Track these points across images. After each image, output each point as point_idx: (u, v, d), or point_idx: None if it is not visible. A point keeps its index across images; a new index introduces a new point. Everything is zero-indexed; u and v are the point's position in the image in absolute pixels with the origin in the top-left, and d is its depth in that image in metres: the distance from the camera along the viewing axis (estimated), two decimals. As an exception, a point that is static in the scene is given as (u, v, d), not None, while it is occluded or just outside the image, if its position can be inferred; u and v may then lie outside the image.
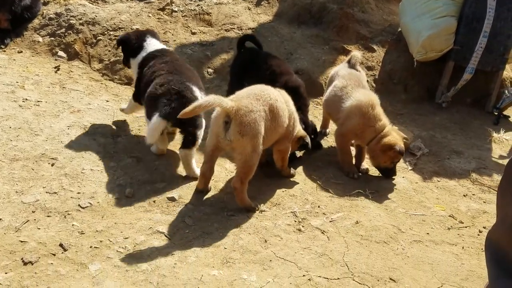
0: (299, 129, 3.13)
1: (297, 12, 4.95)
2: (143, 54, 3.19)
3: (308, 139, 3.15)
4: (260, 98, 2.70)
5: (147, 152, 3.18)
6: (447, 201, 3.24)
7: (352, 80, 3.47)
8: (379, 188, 3.25)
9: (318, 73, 4.49)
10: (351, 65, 3.67)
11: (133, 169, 2.98)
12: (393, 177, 3.38)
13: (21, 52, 4.14)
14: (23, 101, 3.41)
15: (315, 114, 4.22)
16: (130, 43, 3.23)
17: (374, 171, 3.48)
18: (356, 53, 3.77)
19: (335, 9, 4.88)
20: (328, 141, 3.87)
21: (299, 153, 3.47)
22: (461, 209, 3.16)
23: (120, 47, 3.33)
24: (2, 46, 4.12)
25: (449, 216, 3.04)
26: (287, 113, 2.91)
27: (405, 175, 3.49)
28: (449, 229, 2.90)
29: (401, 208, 3.04)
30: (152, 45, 3.24)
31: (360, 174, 3.40)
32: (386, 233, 2.73)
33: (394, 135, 3.27)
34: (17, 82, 3.64)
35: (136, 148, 3.22)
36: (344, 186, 3.21)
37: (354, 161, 3.48)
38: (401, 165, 3.54)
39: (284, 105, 2.89)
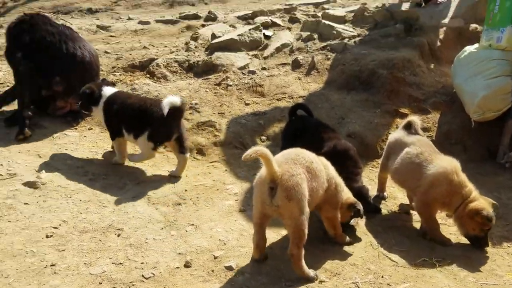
0: (348, 196, 3.10)
1: (346, 79, 5.08)
2: (103, 99, 3.82)
3: (359, 206, 3.08)
4: (297, 162, 2.74)
5: (204, 220, 3.27)
6: (521, 268, 3.00)
7: (425, 146, 3.43)
8: (446, 255, 3.08)
9: (371, 136, 4.49)
10: (415, 130, 3.62)
11: (192, 237, 3.06)
12: (486, 247, 3.19)
13: (91, 129, 4.50)
14: (92, 175, 3.67)
15: (371, 177, 4.17)
16: (93, 94, 3.83)
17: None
18: (415, 118, 3.72)
19: (385, 74, 4.96)
20: (387, 205, 3.78)
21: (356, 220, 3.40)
22: (538, 277, 2.90)
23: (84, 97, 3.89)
24: (74, 124, 4.51)
25: (526, 285, 2.81)
26: (325, 175, 2.91)
27: (472, 241, 3.29)
28: (527, 300, 2.67)
29: (471, 277, 2.85)
30: (109, 91, 3.86)
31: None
32: (456, 305, 2.55)
33: (481, 201, 3.16)
34: (87, 157, 3.95)
35: (194, 216, 3.32)
36: (408, 253, 3.08)
37: None
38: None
39: (321, 166, 2.90)
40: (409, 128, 3.65)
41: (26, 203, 3.17)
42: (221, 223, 3.25)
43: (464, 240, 3.27)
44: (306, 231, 2.69)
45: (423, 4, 6.30)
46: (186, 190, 3.66)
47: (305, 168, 2.76)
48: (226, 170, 4.12)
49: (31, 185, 3.36)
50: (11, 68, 4.33)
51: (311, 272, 2.70)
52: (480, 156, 4.56)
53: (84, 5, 7.95)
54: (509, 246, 3.26)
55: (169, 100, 3.61)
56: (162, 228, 3.13)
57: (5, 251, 2.71)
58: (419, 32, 5.65)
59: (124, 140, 3.87)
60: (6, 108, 4.39)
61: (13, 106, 4.36)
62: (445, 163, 3.26)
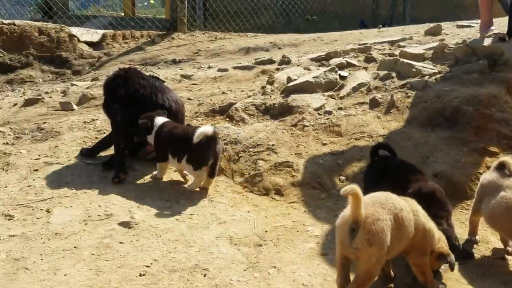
0: (441, 245, 2.95)
1: (429, 116, 4.93)
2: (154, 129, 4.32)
3: (451, 258, 2.91)
4: (385, 207, 2.67)
5: (286, 262, 3.27)
6: None
7: None
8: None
9: (459, 176, 4.27)
10: (509, 172, 3.43)
11: (275, 280, 3.07)
12: None
13: (176, 171, 4.76)
14: (178, 215, 3.85)
15: (461, 219, 3.94)
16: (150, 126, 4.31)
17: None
18: (508, 159, 3.53)
19: (471, 110, 4.75)
20: (480, 250, 3.53)
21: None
22: None
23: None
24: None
25: None
26: (413, 223, 2.80)
27: None
28: None
29: None
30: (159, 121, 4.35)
31: None
32: None
33: None
34: (173, 197, 4.17)
35: (276, 258, 3.33)
36: (507, 304, 2.84)
37: None
38: None
39: (410, 214, 2.79)
40: (502, 169, 3.46)
41: (122, 242, 3.40)
42: (304, 267, 3.23)
43: None
44: (374, 279, 2.67)
45: (507, 38, 6.03)
46: (266, 231, 3.71)
47: (393, 215, 2.68)
48: (305, 211, 4.11)
49: (125, 225, 3.61)
50: (108, 118, 4.77)
51: None
52: None
53: (169, 56, 8.60)
54: None
55: (201, 130, 4.09)
56: (245, 270, 3.18)
57: (103, 289, 2.91)
58: (504, 67, 5.39)
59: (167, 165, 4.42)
60: (103, 153, 4.81)
61: (109, 151, 4.76)
62: None
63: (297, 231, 3.75)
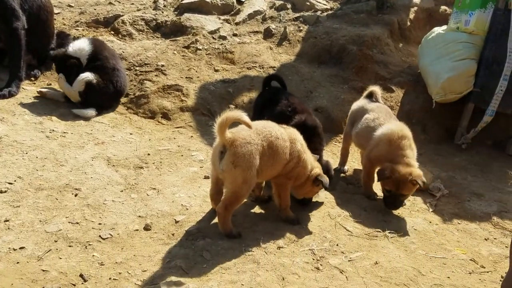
0: (315, 171, 3.09)
1: (318, 52, 5.07)
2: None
3: (323, 178, 3.13)
4: (261, 133, 2.76)
5: (167, 185, 3.23)
6: (468, 244, 3.17)
7: (382, 112, 3.65)
8: (398, 228, 3.21)
9: (337, 111, 4.54)
10: (375, 99, 3.83)
11: (153, 201, 3.02)
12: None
13: (50, 84, 4.30)
14: (50, 132, 3.52)
15: (334, 151, 4.24)
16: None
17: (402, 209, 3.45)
18: (376, 88, 3.93)
19: (355, 50, 4.99)
20: (347, 179, 3.87)
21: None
22: (482, 253, 3.09)
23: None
24: (33, 79, 4.29)
25: (470, 260, 2.98)
26: (289, 150, 2.92)
27: (425, 216, 3.45)
28: (470, 273, 2.83)
29: (421, 250, 2.99)
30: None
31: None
32: (406, 276, 2.68)
33: (401, 168, 3.23)
34: (45, 113, 3.78)
35: (157, 180, 3.27)
36: (363, 224, 3.19)
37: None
38: (421, 206, 3.53)
39: (287, 143, 2.90)
40: (371, 97, 3.87)
41: (-22, 157, 3.02)
42: (184, 189, 3.23)
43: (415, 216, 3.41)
44: (243, 199, 2.79)
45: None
46: (149, 154, 3.59)
47: (267, 142, 2.76)
48: (192, 136, 4.06)
49: (-16, 138, 3.19)
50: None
51: (234, 230, 2.78)
52: (439, 137, 4.73)
53: (46, -48, 7.43)
54: (459, 223, 3.44)
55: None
56: (122, 191, 3.07)
57: (-45, 205, 2.59)
58: (390, 10, 5.70)
59: None
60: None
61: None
62: (393, 126, 3.46)
63: (182, 155, 3.70)
